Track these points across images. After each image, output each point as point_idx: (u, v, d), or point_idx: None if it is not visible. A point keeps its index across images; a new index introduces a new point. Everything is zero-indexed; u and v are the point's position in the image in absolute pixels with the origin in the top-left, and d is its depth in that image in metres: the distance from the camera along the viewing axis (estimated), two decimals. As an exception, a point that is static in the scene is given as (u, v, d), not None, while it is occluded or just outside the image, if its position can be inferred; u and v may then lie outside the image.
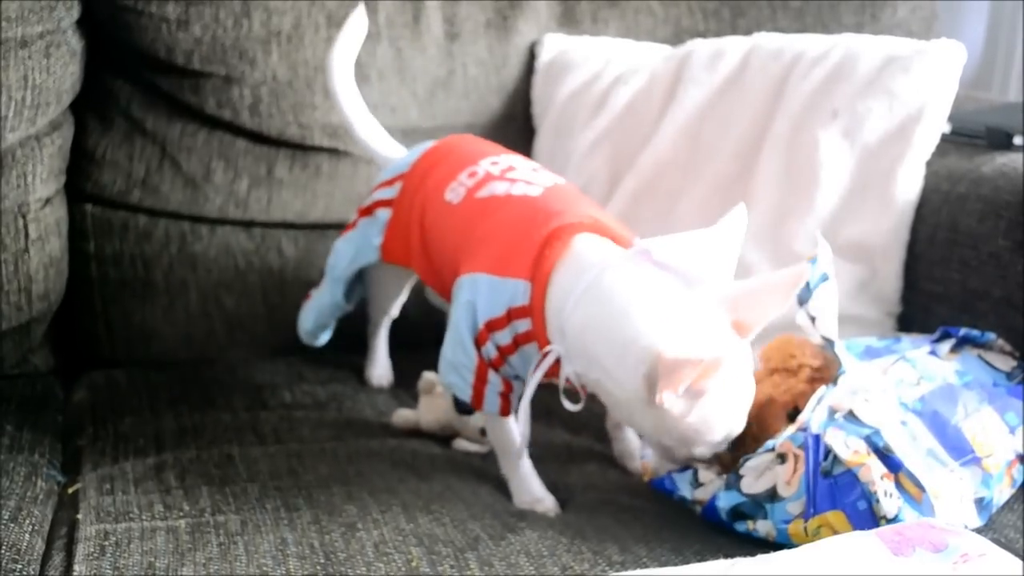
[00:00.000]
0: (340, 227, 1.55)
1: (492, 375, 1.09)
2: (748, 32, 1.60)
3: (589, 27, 1.68)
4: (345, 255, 1.31)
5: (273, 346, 1.52)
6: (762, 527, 1.03)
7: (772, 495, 1.03)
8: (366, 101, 1.50)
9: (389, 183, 1.26)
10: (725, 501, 1.05)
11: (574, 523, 1.06)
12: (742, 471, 1.05)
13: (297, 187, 1.52)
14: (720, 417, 0.99)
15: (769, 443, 1.05)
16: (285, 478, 1.11)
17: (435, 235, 1.19)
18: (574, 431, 1.28)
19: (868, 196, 1.38)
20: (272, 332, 1.52)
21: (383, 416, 1.30)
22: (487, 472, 1.17)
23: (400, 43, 1.54)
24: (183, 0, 1.43)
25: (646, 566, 0.98)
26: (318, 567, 0.96)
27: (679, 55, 1.58)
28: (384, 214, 1.25)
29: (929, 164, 1.39)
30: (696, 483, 1.09)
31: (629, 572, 0.83)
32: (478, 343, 1.08)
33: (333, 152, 1.52)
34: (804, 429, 1.04)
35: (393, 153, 1.34)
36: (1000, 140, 1.39)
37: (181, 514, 1.04)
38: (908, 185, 1.37)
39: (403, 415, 1.28)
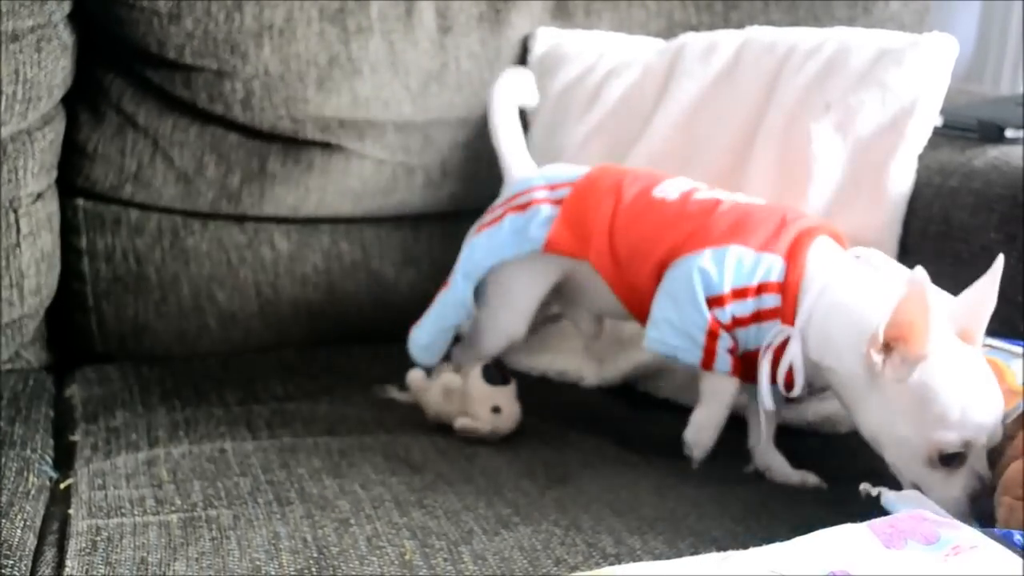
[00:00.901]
0: (334, 221, 1.56)
1: (724, 333, 1.14)
2: (741, 25, 1.59)
3: (582, 21, 1.67)
4: (485, 248, 1.28)
5: (266, 340, 1.52)
6: None
7: None
8: (358, 95, 1.51)
9: (552, 187, 1.29)
10: None
11: (570, 515, 1.06)
12: None
13: (290, 181, 1.52)
14: (946, 388, 1.00)
15: None
16: (278, 472, 1.11)
17: (638, 228, 1.22)
18: (570, 421, 1.28)
19: (861, 189, 1.38)
20: (265, 326, 1.52)
21: (377, 410, 1.30)
22: (481, 463, 1.17)
23: (392, 36, 1.53)
24: (175, -7, 1.43)
25: (640, 559, 0.98)
26: (311, 561, 0.95)
27: (672, 48, 1.57)
28: (547, 209, 1.26)
29: (921, 158, 1.39)
30: None
31: (621, 566, 0.83)
32: (713, 305, 1.14)
33: (326, 146, 1.52)
34: None
35: (523, 172, 1.37)
36: (992, 133, 1.39)
37: (173, 509, 1.03)
38: (901, 178, 1.37)
39: (417, 375, 1.30)
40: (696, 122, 1.51)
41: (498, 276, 1.29)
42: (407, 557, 0.97)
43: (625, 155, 1.53)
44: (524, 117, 1.64)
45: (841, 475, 1.17)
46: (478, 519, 1.03)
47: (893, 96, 1.39)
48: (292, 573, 0.94)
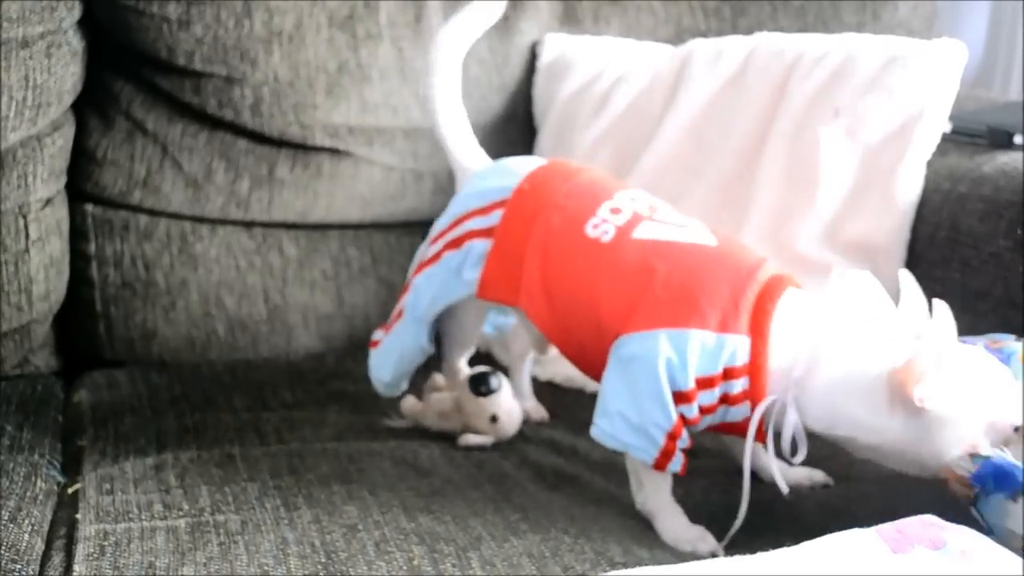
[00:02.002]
0: (342, 227, 1.57)
1: (683, 435, 1.04)
2: (749, 31, 1.59)
3: (590, 27, 1.68)
4: (427, 292, 1.18)
5: (274, 346, 1.52)
6: None
7: None
8: (367, 101, 1.51)
9: (483, 211, 1.15)
10: None
11: (578, 523, 1.06)
12: None
13: (298, 187, 1.52)
14: (977, 399, 0.97)
15: None
16: (286, 477, 1.11)
17: (571, 273, 1.09)
18: (576, 431, 1.28)
19: (870, 195, 1.38)
20: (273, 332, 1.52)
21: (385, 416, 1.30)
22: (489, 469, 1.17)
23: (402, 43, 1.54)
24: (184, 0, 1.43)
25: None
26: (319, 566, 0.95)
27: (680, 55, 1.58)
28: (480, 245, 1.13)
29: (930, 163, 1.39)
30: None
31: (628, 571, 0.83)
32: (680, 402, 1.03)
33: (334, 152, 1.52)
34: None
35: (475, 163, 1.25)
36: (1001, 139, 1.39)
37: (181, 514, 1.04)
38: (909, 184, 1.37)
39: (411, 403, 1.27)
40: (705, 128, 1.51)
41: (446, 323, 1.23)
42: (415, 563, 0.96)
43: (633, 162, 1.54)
44: (532, 123, 1.65)
45: (847, 479, 1.17)
46: (486, 525, 1.03)
47: (901, 102, 1.39)
48: (299, 578, 0.94)
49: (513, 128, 1.63)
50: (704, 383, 1.02)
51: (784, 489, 1.05)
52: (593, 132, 1.57)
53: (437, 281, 1.17)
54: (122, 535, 1.00)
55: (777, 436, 1.04)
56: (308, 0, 1.48)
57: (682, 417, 1.03)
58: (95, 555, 0.97)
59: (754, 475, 1.07)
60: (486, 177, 1.20)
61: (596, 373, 1.09)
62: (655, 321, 1.03)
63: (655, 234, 1.08)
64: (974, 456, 0.96)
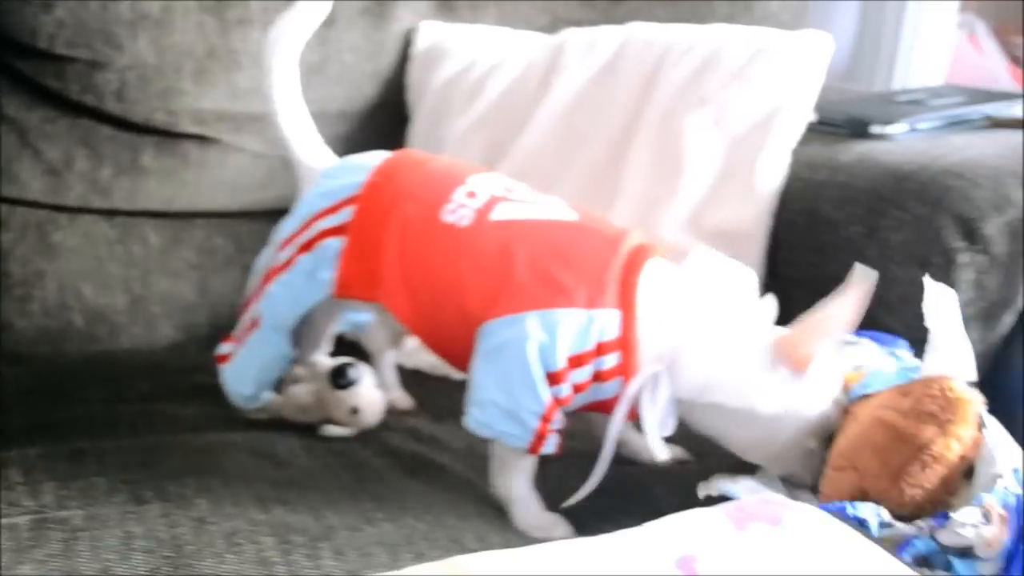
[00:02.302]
0: (208, 215, 1.54)
1: (557, 415, 1.04)
2: (623, 21, 1.61)
3: (466, 15, 1.67)
4: (283, 299, 1.14)
5: (135, 337, 1.48)
6: None
7: (966, 552, 0.95)
8: (236, 87, 1.48)
9: (333, 210, 1.11)
10: (923, 547, 0.95)
11: (434, 510, 1.05)
12: (947, 524, 0.96)
13: (164, 175, 1.49)
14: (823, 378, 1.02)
15: (976, 498, 0.96)
16: (136, 471, 1.08)
17: (431, 262, 1.07)
18: (439, 419, 1.27)
19: (734, 184, 1.40)
20: (134, 323, 1.48)
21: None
22: (348, 458, 1.16)
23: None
24: (45, -19, 1.39)
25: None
26: (164, 560, 0.93)
27: (554, 44, 1.58)
28: (333, 244, 1.10)
29: (795, 153, 1.42)
30: (884, 524, 0.99)
31: (472, 555, 0.82)
32: (552, 383, 1.02)
33: (202, 139, 1.49)
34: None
35: (319, 162, 1.20)
36: (859, 129, 1.43)
37: (22, 511, 1.00)
38: (771, 173, 1.39)
39: (270, 397, 1.25)
40: (577, 117, 1.52)
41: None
42: (265, 554, 0.95)
43: (505, 150, 1.54)
44: (405, 111, 1.64)
45: (704, 460, 1.18)
46: (341, 514, 1.02)
47: (766, 93, 1.41)
48: (145, 573, 0.91)
49: (386, 116, 1.61)
50: (576, 361, 1.02)
51: (662, 455, 1.05)
52: (466, 120, 1.57)
53: (293, 287, 1.13)
54: (-42, 534, 0.96)
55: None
56: (175, -17, 1.45)
57: (555, 398, 1.03)
58: (-71, 554, 0.93)
59: (617, 456, 1.07)
60: (333, 175, 1.16)
61: (463, 363, 1.08)
62: (521, 304, 1.02)
63: (513, 214, 1.07)
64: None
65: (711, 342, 1.02)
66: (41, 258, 1.45)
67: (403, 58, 1.63)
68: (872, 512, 0.97)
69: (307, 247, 1.12)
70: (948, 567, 0.95)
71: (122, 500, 1.02)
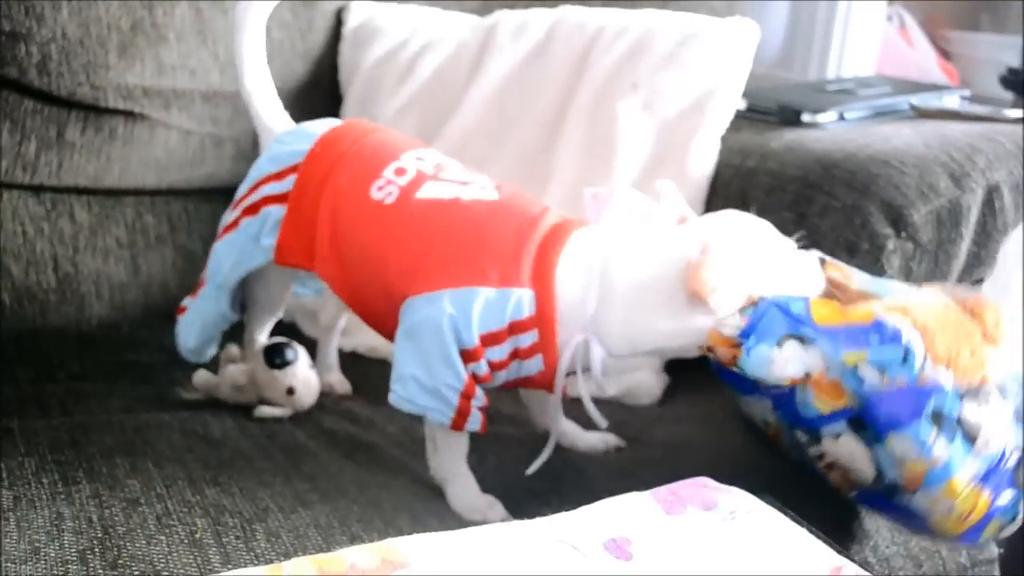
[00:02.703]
0: (138, 193, 1.51)
1: (478, 393, 1.04)
2: (555, 5, 1.61)
3: (398, -6, 1.67)
4: (227, 259, 1.16)
5: (64, 315, 1.45)
6: None
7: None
8: (163, 62, 1.46)
9: (278, 176, 1.14)
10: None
11: (369, 492, 1.05)
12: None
13: (90, 151, 1.46)
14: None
15: None
16: (67, 451, 1.07)
17: (358, 236, 1.09)
18: (375, 402, 1.27)
19: (665, 169, 1.41)
20: (63, 302, 1.45)
21: (178, 388, 1.26)
22: (282, 440, 1.15)
23: (200, 3, 1.49)
24: (-36, -50, 1.36)
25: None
26: (94, 541, 0.92)
27: (486, 25, 1.58)
28: (276, 211, 1.13)
29: (724, 139, 1.43)
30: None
31: (408, 537, 0.83)
32: (468, 360, 1.03)
33: (129, 115, 1.46)
34: None
35: (278, 126, 1.22)
36: (790, 117, 1.45)
37: (-53, 491, 0.99)
38: (703, 159, 1.41)
39: (203, 376, 1.24)
40: (508, 99, 1.52)
41: (252, 273, 1.19)
42: (197, 536, 0.94)
43: (437, 131, 1.53)
44: (337, 90, 1.63)
45: (638, 445, 1.20)
46: (274, 496, 1.02)
47: (695, 78, 1.43)
48: (74, 554, 0.90)
49: (318, 95, 1.60)
50: (489, 339, 1.03)
51: (601, 423, 1.08)
52: (398, 100, 1.57)
53: (236, 248, 1.16)
54: None
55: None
56: (101, -45, 1.42)
57: (473, 375, 1.04)
58: None
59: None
60: (283, 141, 1.18)
61: (390, 335, 1.09)
62: (439, 282, 1.04)
63: (438, 193, 1.08)
64: (746, 308, 0.98)
65: (631, 299, 1.03)
66: (-35, 235, 1.42)
67: (334, 37, 1.62)
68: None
69: (252, 210, 1.15)
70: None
71: (51, 481, 1.01)
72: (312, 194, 1.11)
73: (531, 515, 0.93)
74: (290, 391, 1.21)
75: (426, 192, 1.08)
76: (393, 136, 1.18)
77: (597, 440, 1.19)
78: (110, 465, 1.05)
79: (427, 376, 1.04)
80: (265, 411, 1.21)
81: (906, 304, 0.97)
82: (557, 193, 1.43)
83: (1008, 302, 1.24)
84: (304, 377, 1.22)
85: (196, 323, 1.21)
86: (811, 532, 0.85)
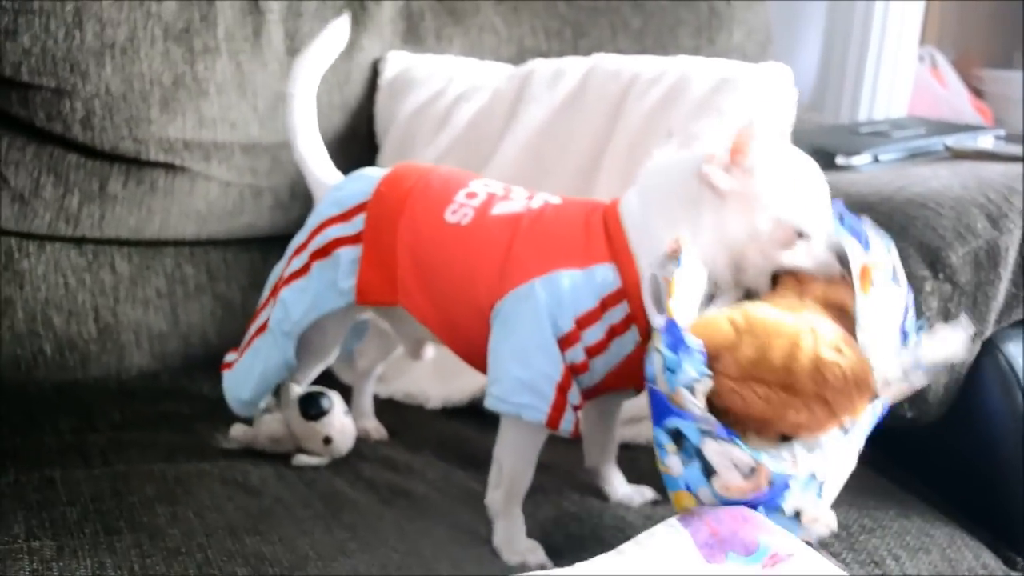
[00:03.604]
0: (178, 244, 1.53)
1: (573, 387, 1.05)
2: (589, 52, 1.62)
3: (433, 45, 1.68)
4: (299, 305, 1.16)
5: (105, 366, 1.47)
6: None
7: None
8: (203, 115, 1.49)
9: (344, 217, 1.16)
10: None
11: (409, 539, 1.05)
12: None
13: (132, 203, 1.48)
14: (779, 182, 1.01)
15: None
16: (108, 501, 1.08)
17: (441, 259, 1.11)
18: (413, 448, 1.28)
19: (701, 213, 1.41)
20: (104, 352, 1.48)
21: (216, 437, 1.27)
22: (321, 487, 1.16)
23: (240, 57, 1.51)
24: (11, 9, 1.39)
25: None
26: (137, 591, 0.93)
27: (521, 74, 1.60)
28: (349, 252, 1.14)
29: (760, 183, 1.43)
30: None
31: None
32: (565, 346, 1.04)
33: (170, 167, 1.49)
34: None
35: (329, 179, 1.25)
36: (823, 160, 1.44)
37: (-7, 541, 1.00)
38: (738, 203, 1.41)
39: (239, 430, 1.25)
40: (543, 146, 1.53)
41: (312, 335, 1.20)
42: (239, 584, 0.95)
43: (474, 179, 1.54)
44: (373, 140, 1.65)
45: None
46: (315, 544, 1.02)
47: (731, 123, 1.43)
48: (117, 604, 0.91)
49: (355, 146, 1.62)
50: (584, 320, 1.04)
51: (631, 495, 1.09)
52: (435, 150, 1.58)
53: (310, 293, 1.16)
54: (-72, 565, 0.96)
55: None
56: (143, 12, 1.45)
57: (570, 365, 1.04)
58: (-103, 586, 0.92)
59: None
60: (342, 187, 1.20)
61: (483, 361, 1.10)
62: (524, 276, 1.05)
63: (510, 208, 1.11)
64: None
65: (659, 209, 1.05)
66: (9, 286, 1.44)
67: (371, 88, 1.64)
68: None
69: (323, 254, 1.16)
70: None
71: (93, 531, 1.02)
72: (387, 229, 1.13)
73: (569, 560, 0.93)
74: (327, 440, 1.21)
75: (499, 209, 1.11)
76: (454, 170, 1.21)
77: (633, 493, 1.19)
78: (151, 515, 1.05)
79: (523, 369, 1.04)
80: (303, 459, 1.21)
81: (746, 312, 0.95)
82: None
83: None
84: (340, 425, 1.22)
85: (254, 373, 1.20)
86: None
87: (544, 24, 1.71)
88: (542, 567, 1.03)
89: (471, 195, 1.13)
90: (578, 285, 1.04)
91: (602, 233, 1.06)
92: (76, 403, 1.36)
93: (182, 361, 1.50)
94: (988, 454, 1.10)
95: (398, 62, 1.65)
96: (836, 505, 1.14)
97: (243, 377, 1.22)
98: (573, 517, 1.09)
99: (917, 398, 1.22)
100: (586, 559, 0.87)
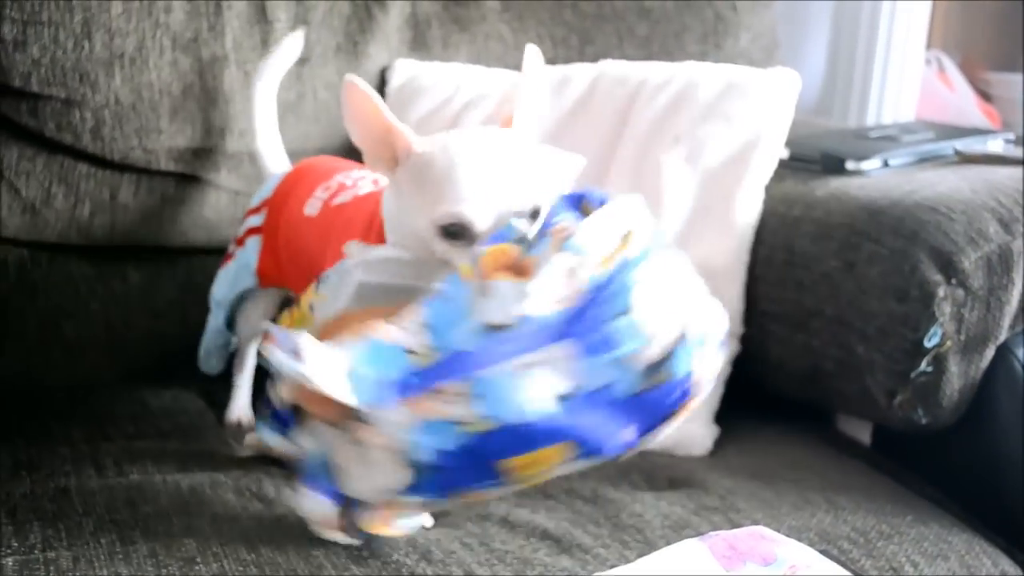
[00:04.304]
0: (187, 252, 1.54)
1: None
2: (596, 59, 1.63)
3: (440, 53, 1.69)
4: (224, 282, 1.32)
5: (117, 375, 1.48)
6: None
7: None
8: (213, 125, 1.49)
9: (257, 210, 1.29)
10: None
11: (421, 547, 1.05)
12: None
13: (142, 212, 1.49)
14: (441, 169, 0.97)
15: None
16: (123, 511, 1.08)
17: (298, 248, 1.21)
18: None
19: (710, 219, 1.42)
20: (115, 361, 1.48)
21: (230, 446, 1.27)
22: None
23: (248, 67, 1.52)
24: (20, 21, 1.39)
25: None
26: (154, 601, 0.93)
27: (528, 81, 1.59)
28: (254, 242, 1.27)
29: (768, 188, 1.44)
30: None
31: None
32: None
33: (180, 177, 1.49)
34: None
35: (277, 169, 1.39)
36: (833, 165, 1.45)
37: (9, 551, 0.99)
38: (747, 208, 1.41)
39: (253, 438, 1.25)
40: (551, 153, 1.53)
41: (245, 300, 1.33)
42: (255, 594, 0.95)
43: (483, 186, 1.54)
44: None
45: (693, 493, 1.19)
46: (328, 554, 1.02)
47: (739, 128, 1.43)
48: (134, 614, 0.92)
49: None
50: None
51: None
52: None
53: (232, 273, 1.31)
54: (-55, 576, 0.96)
55: None
56: (151, 22, 1.45)
57: None
58: (-85, 598, 0.93)
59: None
60: (265, 183, 1.35)
61: None
62: (333, 261, 1.04)
63: (344, 198, 1.18)
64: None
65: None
66: (21, 296, 1.44)
67: (379, 96, 1.64)
68: None
69: (240, 242, 1.31)
70: None
71: (109, 541, 1.02)
72: (275, 222, 1.25)
73: (589, 562, 0.93)
74: None
75: (339, 199, 1.19)
76: (336, 163, 1.30)
77: None
78: (166, 524, 1.06)
79: None
80: None
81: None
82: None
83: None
84: None
85: (205, 336, 1.36)
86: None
87: (550, 31, 1.71)
88: None
89: (326, 188, 1.21)
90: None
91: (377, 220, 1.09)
92: (88, 413, 1.36)
93: (193, 370, 1.50)
94: (1004, 459, 1.10)
95: (405, 70, 1.65)
96: (854, 511, 1.15)
97: (203, 339, 1.37)
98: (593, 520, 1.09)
99: (931, 403, 1.23)
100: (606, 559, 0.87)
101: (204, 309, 1.51)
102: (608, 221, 0.91)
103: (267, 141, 1.43)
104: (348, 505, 0.98)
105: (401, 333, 0.90)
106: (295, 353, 0.87)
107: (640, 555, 0.96)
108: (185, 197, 1.50)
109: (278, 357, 0.87)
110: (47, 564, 0.98)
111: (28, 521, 1.05)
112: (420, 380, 0.88)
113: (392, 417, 0.88)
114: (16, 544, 1.01)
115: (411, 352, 0.89)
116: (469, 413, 0.87)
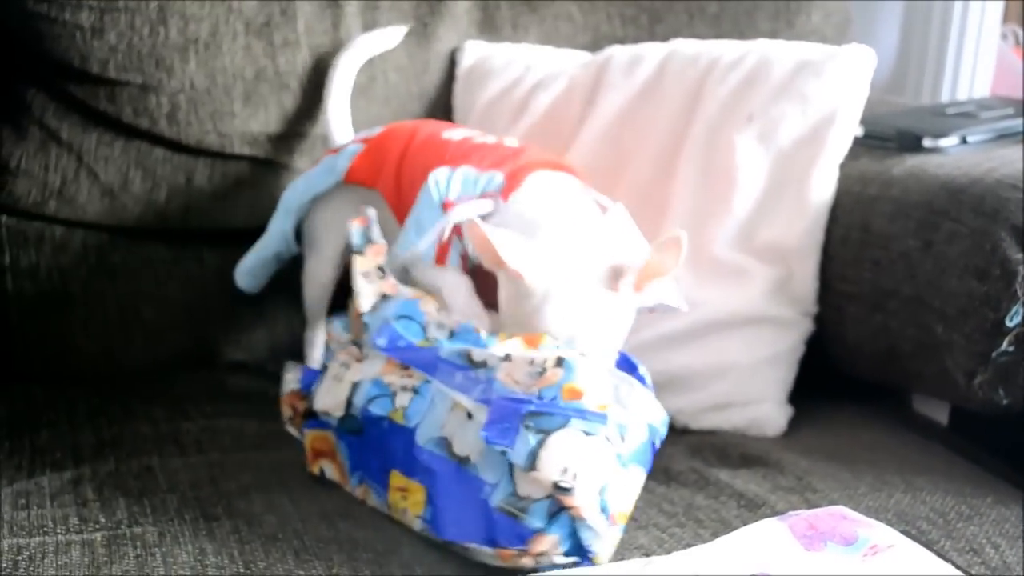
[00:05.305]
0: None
1: (457, 239, 1.20)
2: (666, 38, 1.62)
3: (509, 34, 1.69)
4: (302, 185, 1.38)
5: (195, 356, 1.50)
6: None
7: None
8: (286, 109, 1.51)
9: (366, 139, 1.37)
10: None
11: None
12: None
13: (217, 196, 1.51)
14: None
15: None
16: (205, 488, 1.10)
17: (420, 160, 1.29)
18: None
19: (783, 198, 1.40)
20: (193, 342, 1.50)
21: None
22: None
23: (320, 51, 1.53)
24: (97, 8, 1.42)
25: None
26: (237, 576, 0.95)
27: (598, 61, 1.59)
28: (354, 147, 1.35)
29: (842, 167, 1.42)
30: None
31: (562, 571, 0.83)
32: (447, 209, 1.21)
33: (254, 160, 1.51)
34: None
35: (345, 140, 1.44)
36: (910, 143, 1.42)
37: (97, 527, 1.02)
38: (822, 187, 1.40)
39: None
40: (622, 134, 1.53)
41: (308, 224, 1.40)
42: (335, 570, 0.96)
43: (553, 167, 1.54)
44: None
45: (769, 473, 1.18)
46: (405, 530, 1.03)
47: (813, 107, 1.42)
48: (218, 590, 0.93)
49: (434, 135, 1.63)
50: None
51: None
52: (512, 138, 1.58)
53: (312, 177, 1.37)
54: (36, 549, 0.98)
55: None
56: (224, 7, 1.47)
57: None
58: (8, 570, 0.95)
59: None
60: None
61: None
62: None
63: (486, 140, 1.34)
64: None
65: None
66: (101, 279, 1.47)
67: (448, 78, 1.65)
68: None
69: (335, 151, 1.38)
70: None
71: (193, 517, 1.04)
72: (391, 139, 1.34)
73: (665, 541, 0.93)
74: None
75: (481, 140, 1.33)
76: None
77: None
78: (247, 502, 1.08)
79: (415, 220, 1.24)
80: None
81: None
82: (673, 226, 1.43)
83: None
84: None
85: (256, 247, 1.41)
86: (955, 566, 0.84)
87: (620, 11, 1.71)
88: None
89: (467, 133, 1.36)
90: (470, 177, 1.23)
91: (519, 164, 1.25)
92: (168, 393, 1.38)
93: (268, 350, 1.53)
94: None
95: (475, 51, 1.65)
96: (932, 492, 1.14)
97: (249, 252, 1.42)
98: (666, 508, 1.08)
99: (1012, 384, 1.21)
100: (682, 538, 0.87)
101: (280, 294, 1.54)
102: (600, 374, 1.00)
103: (339, 122, 1.48)
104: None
105: (439, 316, 1.10)
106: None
107: (715, 534, 0.96)
108: (259, 180, 1.52)
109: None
110: (133, 540, 1.00)
111: (114, 498, 1.08)
112: (407, 353, 1.06)
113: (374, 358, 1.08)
114: (103, 520, 1.04)
115: (426, 333, 1.08)
116: (403, 400, 1.03)
